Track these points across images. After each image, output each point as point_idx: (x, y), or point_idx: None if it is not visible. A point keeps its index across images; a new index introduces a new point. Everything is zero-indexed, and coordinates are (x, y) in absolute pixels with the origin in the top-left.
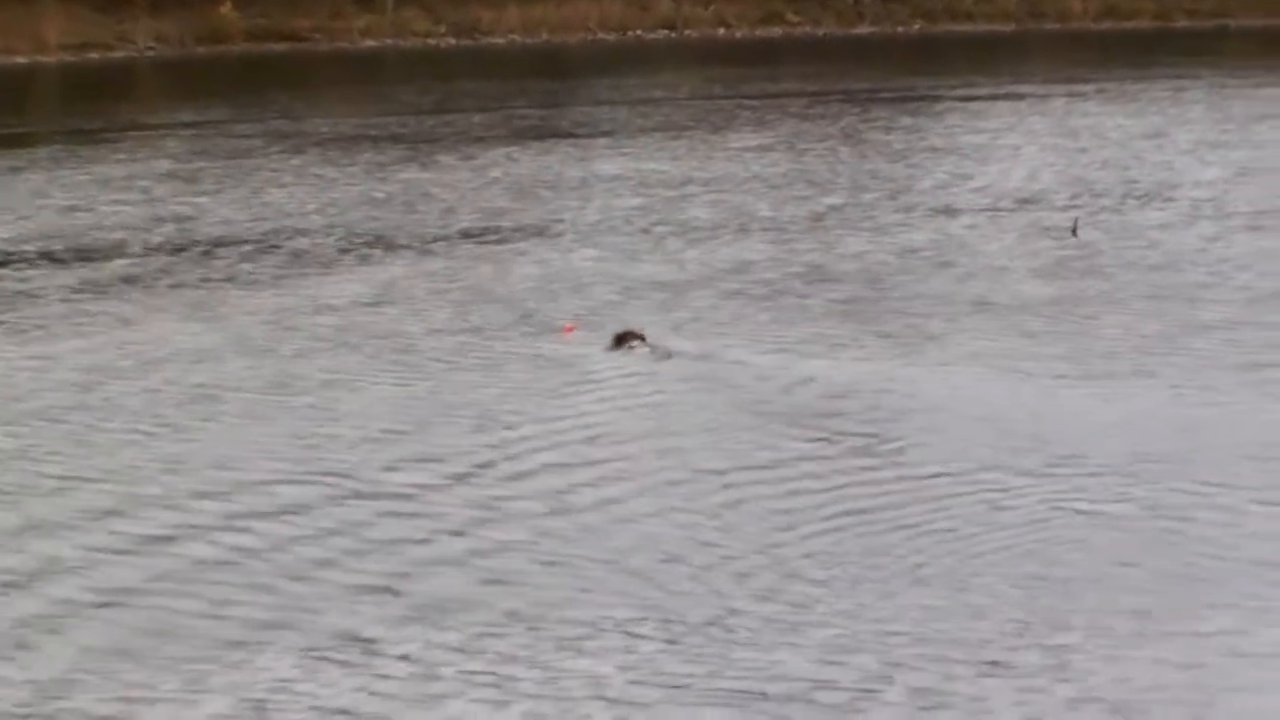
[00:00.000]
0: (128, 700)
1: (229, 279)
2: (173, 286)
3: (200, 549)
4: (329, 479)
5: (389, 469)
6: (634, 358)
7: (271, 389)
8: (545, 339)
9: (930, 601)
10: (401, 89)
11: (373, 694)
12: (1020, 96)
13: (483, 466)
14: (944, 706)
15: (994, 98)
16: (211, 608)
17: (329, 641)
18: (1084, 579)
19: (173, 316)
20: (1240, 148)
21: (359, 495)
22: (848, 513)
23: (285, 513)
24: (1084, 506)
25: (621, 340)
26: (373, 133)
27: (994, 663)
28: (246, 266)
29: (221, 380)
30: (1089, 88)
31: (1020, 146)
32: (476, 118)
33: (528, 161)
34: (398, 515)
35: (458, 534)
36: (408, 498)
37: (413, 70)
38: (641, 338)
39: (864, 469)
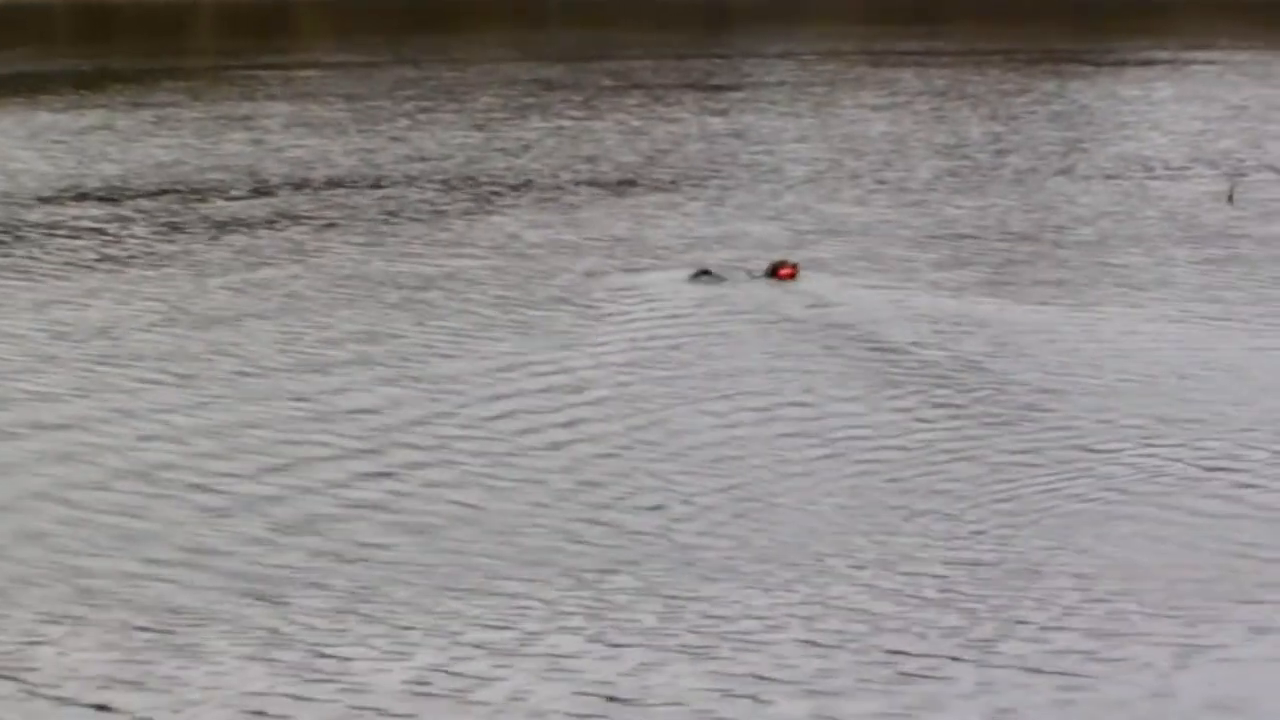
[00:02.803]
0: None
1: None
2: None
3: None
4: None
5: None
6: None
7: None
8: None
9: None
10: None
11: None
12: (1185, 62)
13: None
14: None
15: (1159, 63)
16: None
17: None
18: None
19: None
20: None
21: None
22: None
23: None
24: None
25: (775, 270)
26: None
27: None
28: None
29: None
30: (1246, 56)
31: (1181, 112)
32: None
33: (687, 112)
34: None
35: None
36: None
37: (576, 13)
38: (795, 266)
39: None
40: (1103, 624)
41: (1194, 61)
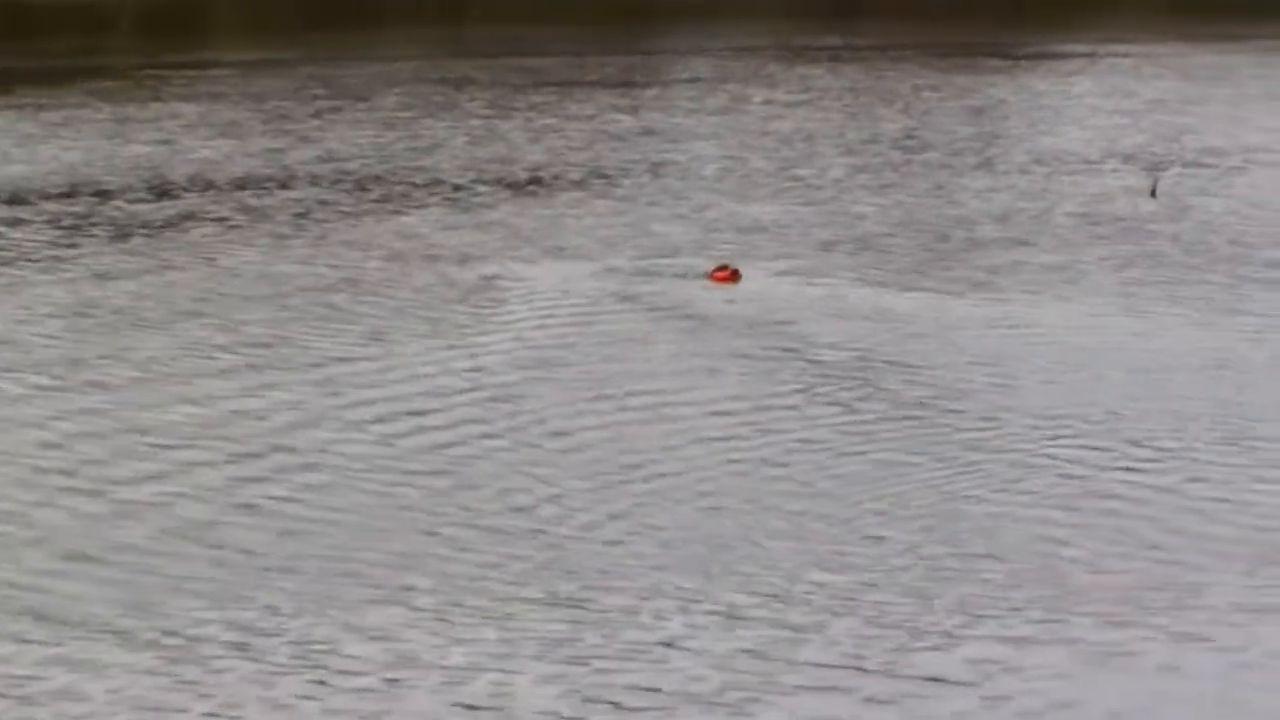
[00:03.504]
0: None
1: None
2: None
3: None
4: None
5: None
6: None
7: None
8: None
9: None
10: (479, 29)
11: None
12: (1102, 55)
13: None
14: None
15: (1075, 56)
16: None
17: None
18: None
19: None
20: None
21: None
22: None
23: None
24: None
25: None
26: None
27: None
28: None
29: None
30: (1164, 49)
31: (1098, 106)
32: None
33: (599, 110)
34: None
35: None
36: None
37: (492, 8)
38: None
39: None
40: (1007, 631)
41: (1112, 54)
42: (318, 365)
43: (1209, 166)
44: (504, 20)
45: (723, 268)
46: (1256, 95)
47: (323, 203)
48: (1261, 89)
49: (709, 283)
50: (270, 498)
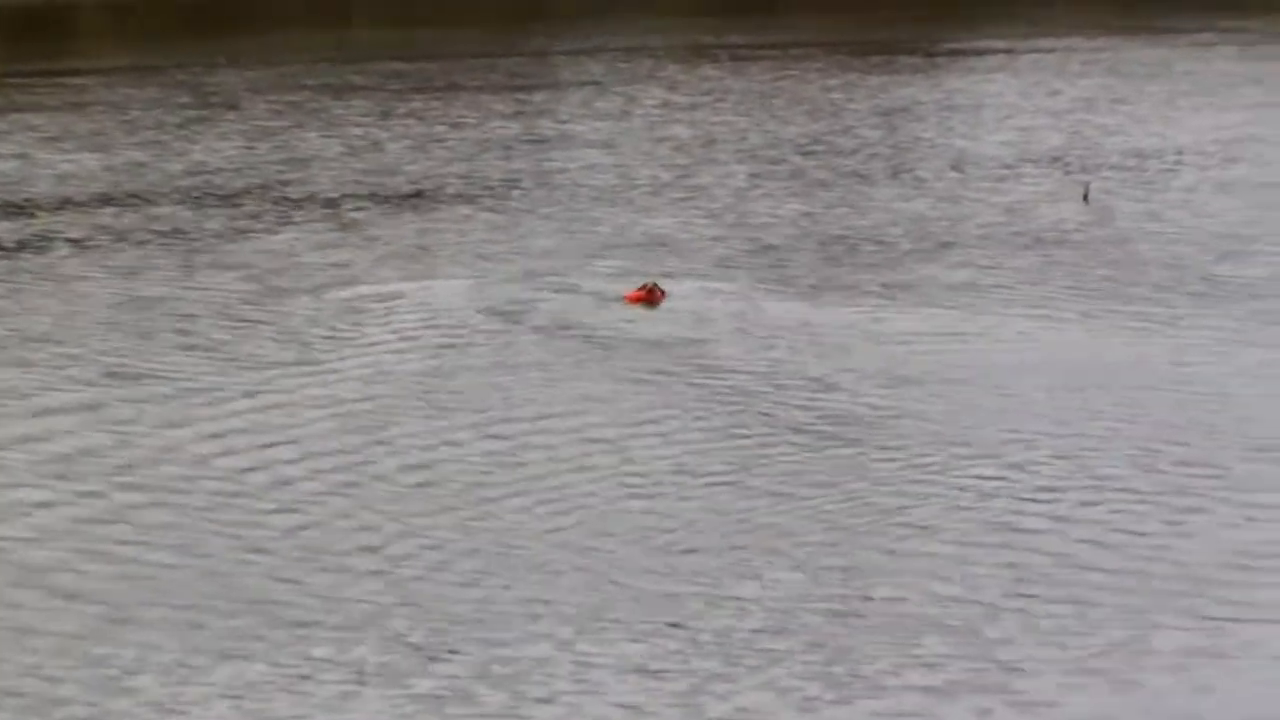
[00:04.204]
0: None
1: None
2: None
3: None
4: None
5: None
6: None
7: None
8: None
9: None
10: (366, 33)
11: None
12: (1025, 52)
13: None
14: None
15: (996, 52)
16: None
17: None
18: None
19: None
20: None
21: None
22: None
23: None
24: None
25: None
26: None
27: None
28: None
29: None
30: (1093, 44)
31: (1019, 106)
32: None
33: (484, 117)
34: None
35: None
36: None
37: (381, 11)
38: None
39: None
40: (930, 680)
41: (1035, 50)
42: (171, 397)
43: (1137, 170)
44: (392, 23)
45: (642, 287)
46: (1188, 92)
47: (188, 221)
48: (1193, 85)
49: (625, 303)
50: (115, 541)
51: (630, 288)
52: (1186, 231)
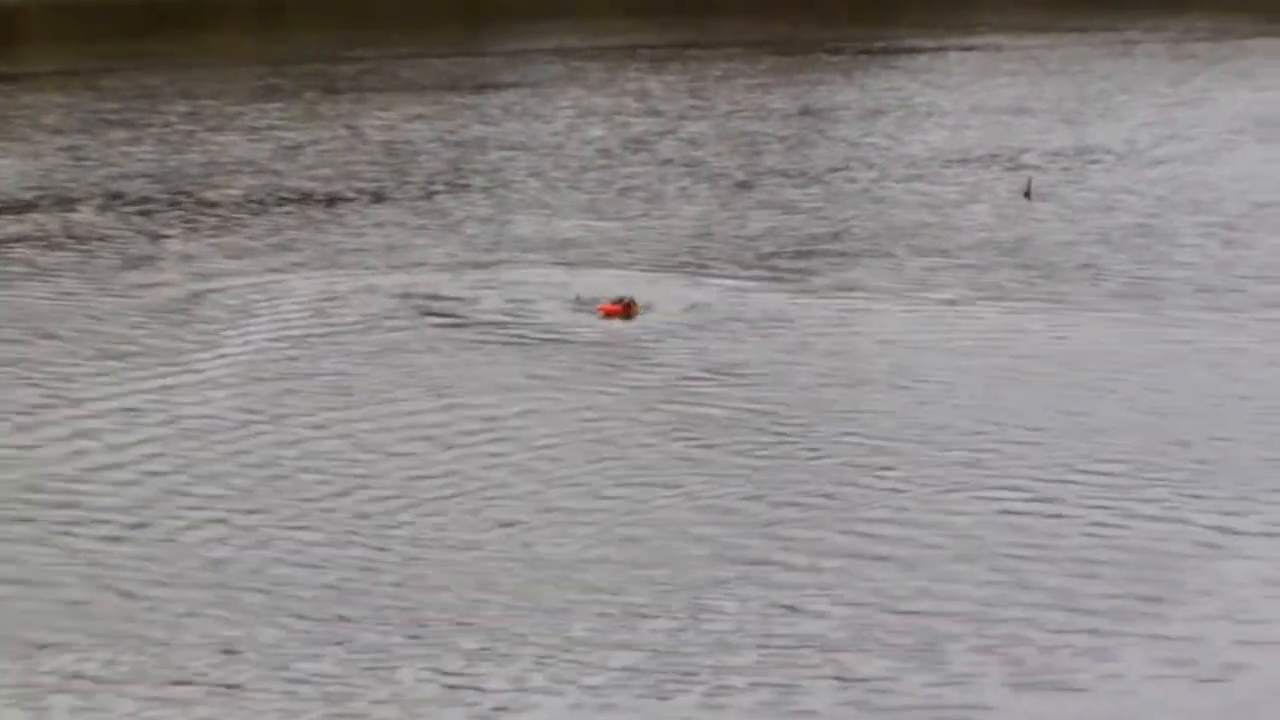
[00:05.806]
0: None
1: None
2: None
3: None
4: None
5: None
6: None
7: None
8: None
9: None
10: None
11: None
12: (953, 48)
13: None
14: None
15: (925, 51)
16: None
17: None
18: None
19: None
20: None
21: None
22: None
23: None
24: None
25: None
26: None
27: None
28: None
29: None
30: (1027, 44)
31: (956, 105)
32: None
33: (408, 118)
34: None
35: None
36: None
37: (320, 12)
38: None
39: None
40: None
41: (960, 49)
42: (55, 407)
43: (1060, 168)
44: (327, 24)
45: (619, 301)
46: (1110, 91)
47: (97, 226)
48: (1116, 84)
49: (600, 315)
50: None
51: (553, 288)
52: (1109, 230)
